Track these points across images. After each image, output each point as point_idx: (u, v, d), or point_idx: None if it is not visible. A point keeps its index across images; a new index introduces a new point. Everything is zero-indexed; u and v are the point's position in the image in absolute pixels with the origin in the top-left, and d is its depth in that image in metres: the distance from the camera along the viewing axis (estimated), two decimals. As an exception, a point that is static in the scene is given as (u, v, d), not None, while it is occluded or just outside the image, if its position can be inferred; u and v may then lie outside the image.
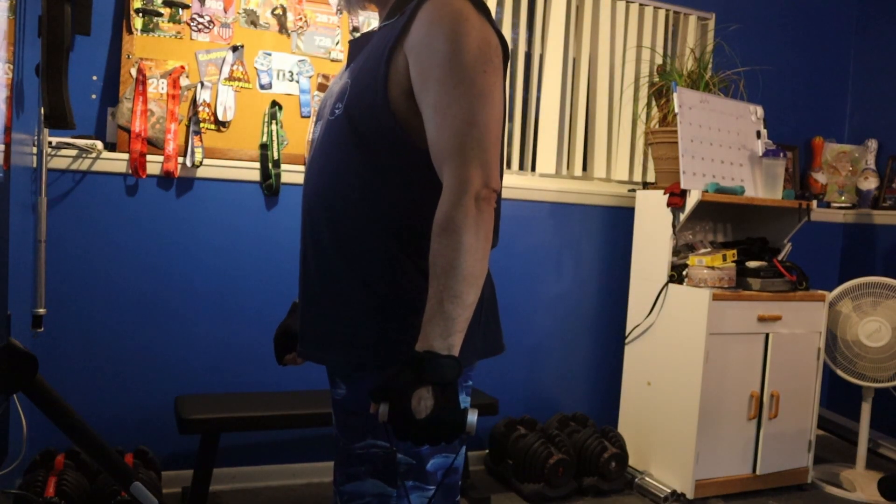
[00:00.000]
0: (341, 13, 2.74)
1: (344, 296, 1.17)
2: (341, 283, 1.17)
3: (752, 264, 2.96)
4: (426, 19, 1.09)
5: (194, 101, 2.55)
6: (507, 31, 3.07)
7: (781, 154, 3.05)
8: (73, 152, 2.44)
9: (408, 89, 1.10)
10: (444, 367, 0.99)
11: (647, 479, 2.89)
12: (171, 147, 2.51)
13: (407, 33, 1.11)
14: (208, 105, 2.57)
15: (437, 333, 1.01)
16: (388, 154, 1.13)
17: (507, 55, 1.17)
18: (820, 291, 3.03)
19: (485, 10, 1.13)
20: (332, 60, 2.73)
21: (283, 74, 2.67)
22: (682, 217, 2.88)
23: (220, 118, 2.58)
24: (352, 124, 1.14)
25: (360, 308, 1.15)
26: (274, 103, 2.65)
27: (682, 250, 3.06)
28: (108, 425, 2.51)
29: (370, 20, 2.78)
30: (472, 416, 1.01)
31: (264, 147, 2.64)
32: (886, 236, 3.67)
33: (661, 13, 3.33)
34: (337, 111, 1.18)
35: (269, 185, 2.66)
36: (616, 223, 3.29)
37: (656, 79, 3.25)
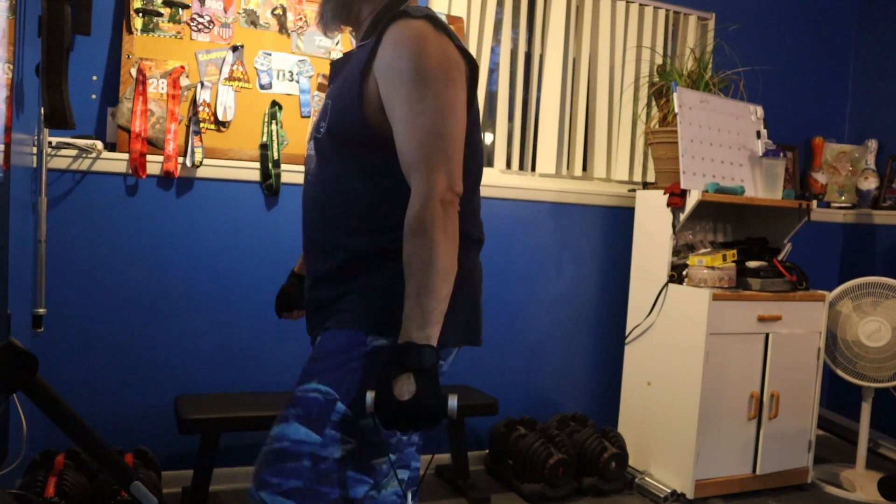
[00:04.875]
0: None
1: (334, 287, 1.30)
2: (335, 277, 1.30)
3: (752, 264, 2.96)
4: (390, 41, 1.20)
5: (194, 101, 2.55)
6: (506, 32, 3.07)
7: (781, 154, 3.05)
8: (73, 152, 2.44)
9: (380, 106, 1.22)
10: (422, 356, 1.10)
11: (647, 479, 2.89)
12: (171, 147, 2.51)
13: (375, 56, 1.22)
14: (208, 105, 2.57)
15: (415, 325, 1.12)
16: (367, 162, 1.25)
17: (473, 67, 1.27)
18: (820, 291, 3.03)
19: (445, 29, 1.24)
20: (332, 60, 2.73)
21: (283, 74, 2.67)
22: (682, 217, 2.88)
23: (220, 118, 2.58)
24: (334, 140, 1.28)
25: (346, 290, 1.28)
26: (274, 103, 2.65)
27: (682, 250, 3.06)
28: (108, 425, 2.51)
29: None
30: (453, 401, 1.12)
31: (264, 147, 2.64)
32: (886, 236, 3.67)
33: (661, 13, 3.33)
34: (321, 129, 1.31)
35: (269, 185, 2.66)
36: (616, 223, 3.29)
37: (656, 79, 3.25)
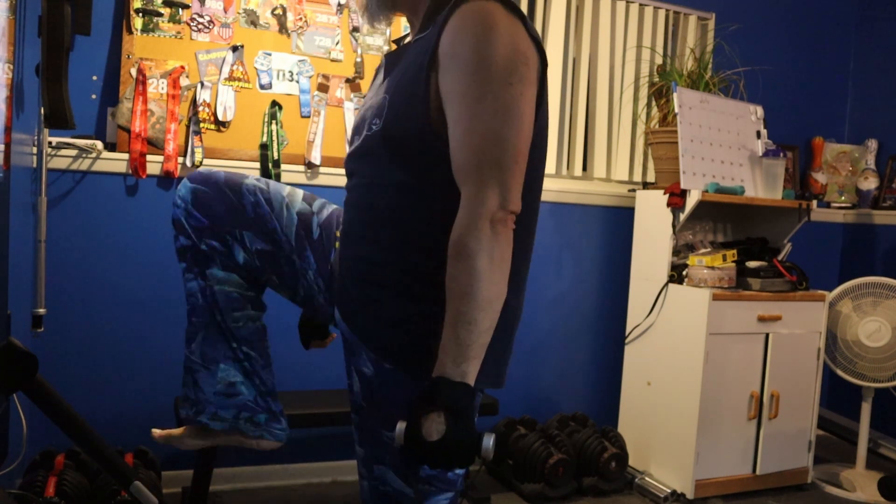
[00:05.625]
0: (356, 15, 2.73)
1: (369, 307, 1.16)
2: (367, 295, 1.16)
3: (752, 264, 2.96)
4: (454, 28, 1.06)
5: (194, 101, 2.55)
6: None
7: (781, 154, 3.05)
8: (73, 152, 2.44)
9: (441, 105, 1.08)
10: (456, 394, 0.99)
11: (647, 479, 2.89)
12: (171, 147, 2.51)
13: (439, 45, 1.07)
14: (208, 105, 2.57)
15: (451, 360, 1.00)
16: (425, 170, 1.10)
17: (544, 61, 1.12)
18: (820, 291, 3.03)
19: (518, 13, 1.08)
20: (332, 60, 2.73)
21: (283, 74, 2.67)
22: (682, 217, 2.88)
23: (220, 118, 2.58)
24: (389, 141, 1.12)
25: (385, 321, 1.14)
26: (274, 103, 2.65)
27: (682, 250, 3.06)
28: (108, 425, 2.51)
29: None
30: (488, 441, 1.02)
31: (264, 147, 2.64)
32: (886, 236, 3.67)
33: (661, 13, 3.33)
34: (374, 127, 1.15)
35: (269, 185, 2.66)
36: (616, 223, 3.29)
37: (656, 79, 3.25)
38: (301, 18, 2.69)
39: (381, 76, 1.28)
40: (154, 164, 2.52)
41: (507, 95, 1.03)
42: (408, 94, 1.10)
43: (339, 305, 1.24)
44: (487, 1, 1.05)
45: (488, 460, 1.08)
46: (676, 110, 2.90)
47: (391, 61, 1.24)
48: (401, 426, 1.02)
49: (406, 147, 1.11)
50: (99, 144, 2.42)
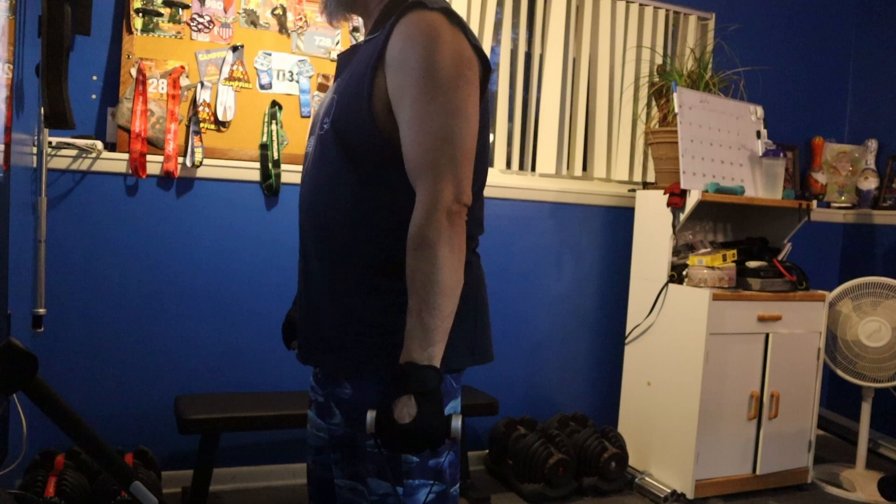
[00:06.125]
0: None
1: (333, 307, 1.21)
2: (331, 294, 1.21)
3: (752, 264, 2.96)
4: (401, 36, 1.12)
5: (194, 101, 2.55)
6: (506, 32, 3.07)
7: (781, 154, 3.05)
8: (73, 152, 2.44)
9: (389, 105, 1.14)
10: (424, 377, 1.04)
11: (647, 479, 2.89)
12: (171, 147, 2.51)
13: (385, 49, 1.14)
14: (208, 105, 2.57)
15: (417, 345, 1.06)
16: (374, 168, 1.16)
17: (486, 66, 1.19)
18: (820, 291, 3.03)
19: (460, 24, 1.15)
20: (332, 60, 2.73)
21: (283, 74, 2.67)
22: (682, 217, 2.88)
23: (220, 118, 2.58)
24: (339, 139, 1.18)
25: (350, 317, 1.19)
26: (274, 103, 2.65)
27: (682, 250, 3.06)
28: (108, 425, 2.51)
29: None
30: (456, 422, 1.06)
31: (264, 147, 2.64)
32: (886, 236, 3.67)
33: (661, 13, 3.33)
34: (325, 126, 1.22)
35: (269, 185, 2.66)
36: (616, 223, 3.29)
37: (656, 79, 3.25)
38: (301, 18, 2.69)
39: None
40: (154, 164, 2.52)
41: (455, 97, 1.11)
42: (354, 93, 1.17)
43: (300, 350, 1.28)
44: (432, 11, 1.13)
45: (457, 441, 1.12)
46: (676, 110, 2.91)
47: (343, 62, 1.31)
48: (371, 414, 1.06)
49: (353, 145, 1.17)
50: (99, 144, 2.42)
